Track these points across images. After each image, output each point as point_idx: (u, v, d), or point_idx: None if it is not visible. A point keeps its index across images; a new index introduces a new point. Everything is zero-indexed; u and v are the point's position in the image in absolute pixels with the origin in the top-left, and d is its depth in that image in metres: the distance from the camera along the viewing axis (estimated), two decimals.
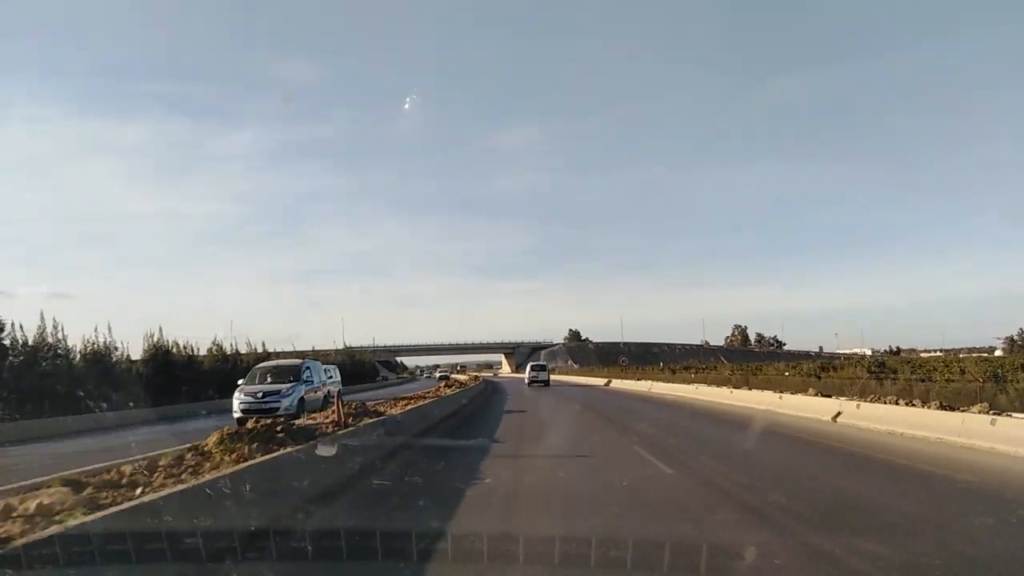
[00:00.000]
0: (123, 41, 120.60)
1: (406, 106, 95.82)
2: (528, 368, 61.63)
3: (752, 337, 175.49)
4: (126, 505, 5.22)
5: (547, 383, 54.56)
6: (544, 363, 69.19)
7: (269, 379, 20.01)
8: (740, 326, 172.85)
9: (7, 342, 24.14)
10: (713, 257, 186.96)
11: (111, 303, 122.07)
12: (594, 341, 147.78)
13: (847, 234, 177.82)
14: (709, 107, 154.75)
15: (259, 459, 7.41)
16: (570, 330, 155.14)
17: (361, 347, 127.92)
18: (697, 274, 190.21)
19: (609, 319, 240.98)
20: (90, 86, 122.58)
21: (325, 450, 8.31)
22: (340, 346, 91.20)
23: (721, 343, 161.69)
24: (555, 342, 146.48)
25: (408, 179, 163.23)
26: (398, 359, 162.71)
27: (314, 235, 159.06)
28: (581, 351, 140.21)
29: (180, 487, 5.90)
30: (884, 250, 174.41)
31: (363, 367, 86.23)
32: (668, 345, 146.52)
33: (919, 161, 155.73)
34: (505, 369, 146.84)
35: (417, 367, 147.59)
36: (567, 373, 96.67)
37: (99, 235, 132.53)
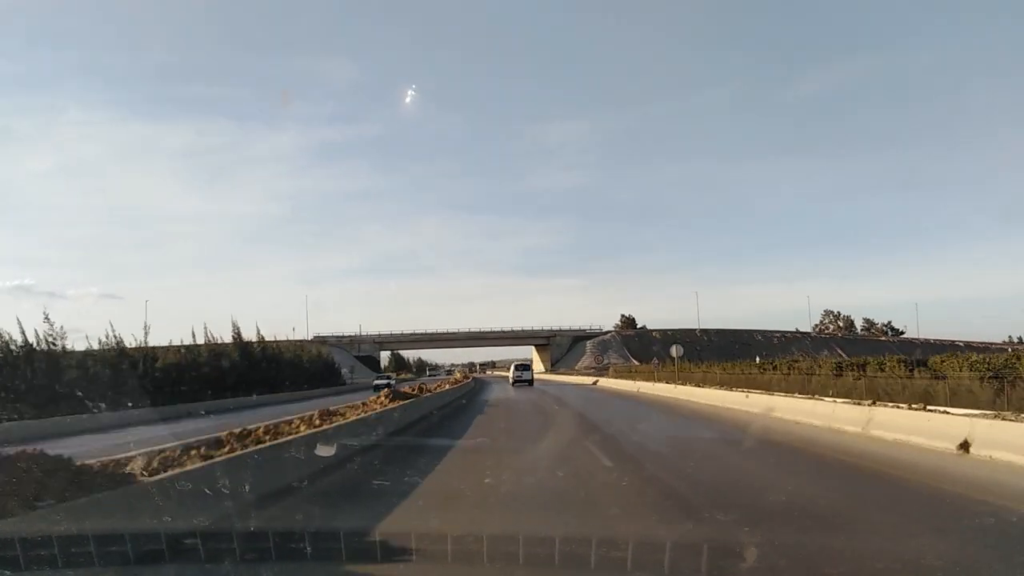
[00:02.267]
0: (165, 45, 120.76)
1: (407, 99, 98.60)
2: (512, 368, 61.26)
3: (858, 324, 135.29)
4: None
5: (531, 382, 56.02)
6: (528, 362, 65.78)
7: None
8: (832, 312, 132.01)
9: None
10: (790, 247, 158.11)
11: (158, 302, 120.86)
12: (657, 329, 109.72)
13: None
14: (759, 96, 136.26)
15: None
16: (622, 316, 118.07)
17: (345, 336, 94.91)
18: (765, 265, 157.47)
19: (667, 312, 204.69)
20: (135, 91, 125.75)
21: None
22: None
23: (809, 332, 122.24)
24: (605, 330, 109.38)
25: (447, 177, 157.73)
26: (405, 354, 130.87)
27: (353, 234, 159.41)
28: (641, 343, 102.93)
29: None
30: None
31: (277, 366, 51.73)
32: (763, 333, 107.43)
33: None
34: (537, 367, 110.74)
35: (440, 366, 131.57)
36: (624, 375, 59.71)
37: (146, 236, 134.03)
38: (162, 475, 6.74)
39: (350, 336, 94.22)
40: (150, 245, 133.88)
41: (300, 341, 73.86)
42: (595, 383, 57.49)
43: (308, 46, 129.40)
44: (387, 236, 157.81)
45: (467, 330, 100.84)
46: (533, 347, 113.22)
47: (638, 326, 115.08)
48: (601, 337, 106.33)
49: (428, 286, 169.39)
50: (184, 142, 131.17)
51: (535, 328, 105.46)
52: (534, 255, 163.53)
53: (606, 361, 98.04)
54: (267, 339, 61.46)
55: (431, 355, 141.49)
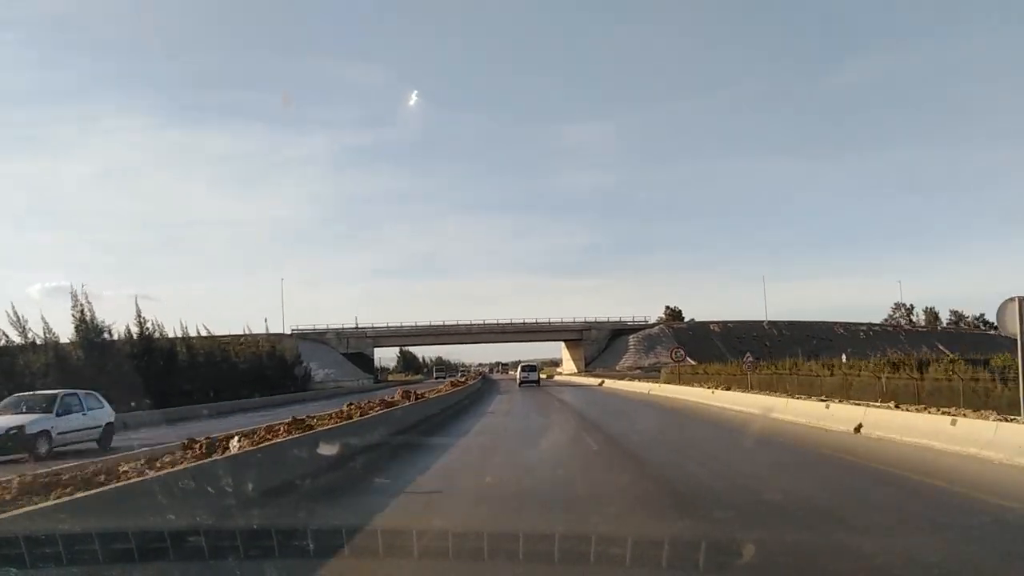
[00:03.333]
0: (199, 53, 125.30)
1: (411, 102, 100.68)
2: (519, 369, 59.94)
3: (944, 317, 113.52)
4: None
5: (538, 383, 55.30)
6: (535, 364, 61.95)
7: None
8: (904, 304, 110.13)
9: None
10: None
11: (191, 304, 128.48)
12: (715, 321, 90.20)
13: None
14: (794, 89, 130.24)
15: None
16: (668, 308, 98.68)
17: (330, 329, 78.40)
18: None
19: (717, 308, 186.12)
20: (172, 97, 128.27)
21: None
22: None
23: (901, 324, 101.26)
24: (650, 322, 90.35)
25: (473, 178, 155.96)
26: (418, 353, 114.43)
27: (378, 235, 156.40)
28: (695, 337, 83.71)
29: None
30: None
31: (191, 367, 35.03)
32: (845, 326, 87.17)
33: None
34: (567, 366, 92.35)
35: (460, 366, 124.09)
36: (684, 378, 40.94)
37: (181, 239, 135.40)
38: None
39: (336, 329, 77.66)
40: (182, 249, 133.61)
41: (261, 336, 56.75)
42: (649, 392, 39.29)
43: (335, 50, 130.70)
44: (412, 237, 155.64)
45: (481, 322, 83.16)
46: (563, 344, 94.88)
47: (683, 318, 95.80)
48: (647, 331, 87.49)
49: (453, 287, 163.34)
50: (219, 147, 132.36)
51: (565, 321, 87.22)
52: (560, 254, 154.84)
53: (654, 360, 79.38)
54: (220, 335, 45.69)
55: (450, 353, 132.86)
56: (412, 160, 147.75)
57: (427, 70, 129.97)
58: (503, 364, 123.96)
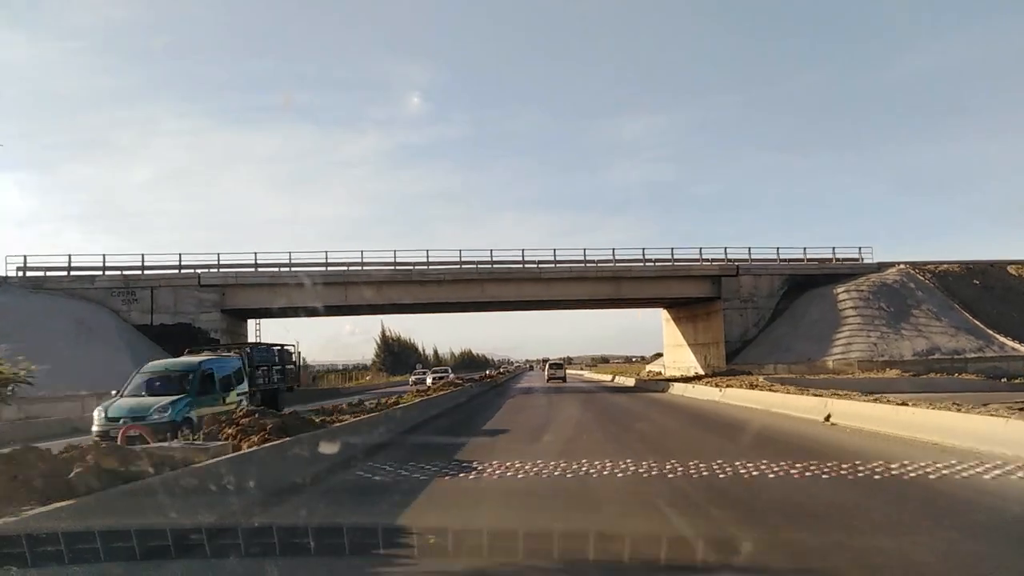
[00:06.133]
0: (250, 56, 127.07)
1: (415, 101, 77.88)
2: (547, 366, 51.06)
3: None
4: None
5: (564, 379, 45.87)
6: (561, 362, 52.06)
7: None
8: None
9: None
10: None
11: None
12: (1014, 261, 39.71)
13: None
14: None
15: None
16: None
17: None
18: None
19: None
20: (225, 100, 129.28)
21: None
22: None
23: None
24: (883, 262, 40.80)
25: (526, 175, 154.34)
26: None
27: (430, 233, 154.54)
28: (988, 285, 33.99)
29: None
30: None
31: None
32: None
33: None
34: (678, 358, 43.90)
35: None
36: None
37: (240, 241, 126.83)
38: None
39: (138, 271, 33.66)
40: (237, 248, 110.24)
41: None
42: None
43: (387, 50, 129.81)
44: (463, 235, 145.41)
45: (498, 261, 37.30)
46: (665, 312, 47.38)
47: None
48: (873, 278, 38.60)
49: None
50: (271, 148, 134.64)
51: (682, 261, 39.72)
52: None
53: (924, 340, 31.20)
54: None
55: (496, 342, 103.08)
56: (464, 158, 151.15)
57: (480, 69, 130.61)
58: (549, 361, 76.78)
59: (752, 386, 24.55)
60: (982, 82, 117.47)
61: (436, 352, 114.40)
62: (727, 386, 24.29)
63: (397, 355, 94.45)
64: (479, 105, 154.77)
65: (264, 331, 40.07)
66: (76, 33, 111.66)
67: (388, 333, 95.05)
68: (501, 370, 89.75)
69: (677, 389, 28.54)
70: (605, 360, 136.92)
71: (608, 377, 52.45)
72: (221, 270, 35.15)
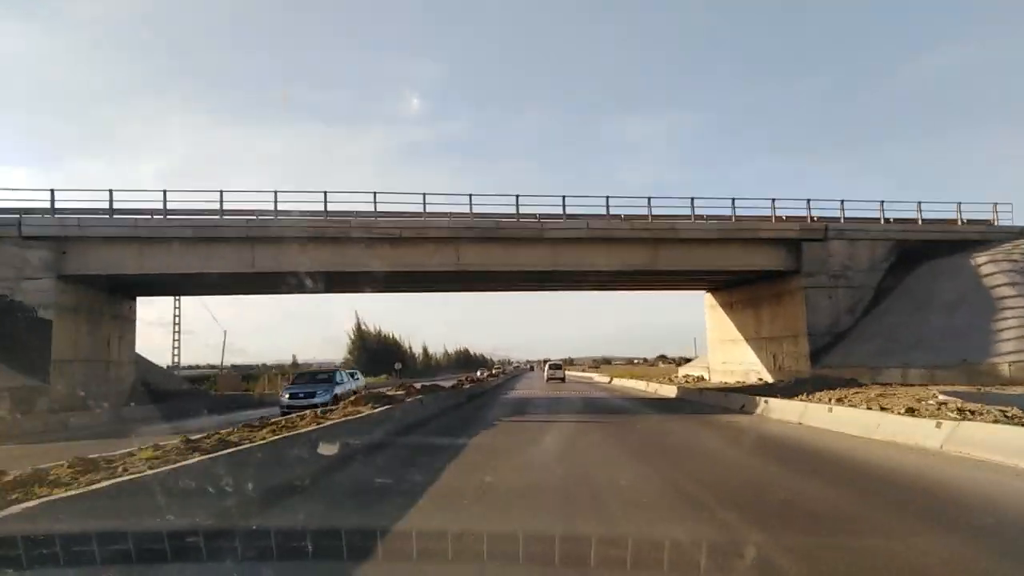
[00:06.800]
0: (259, 53, 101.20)
1: (414, 102, 62.18)
2: (547, 367, 55.20)
3: None
4: None
5: (563, 379, 49.32)
6: (560, 363, 57.35)
7: None
8: None
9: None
10: None
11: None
12: None
13: None
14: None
15: None
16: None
17: None
18: None
19: None
20: (236, 96, 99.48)
21: None
22: None
23: None
24: (1000, 224, 28.81)
25: (530, 174, 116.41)
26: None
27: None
28: None
29: None
30: None
31: None
32: None
33: None
34: (725, 357, 32.02)
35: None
36: None
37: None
38: None
39: None
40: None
41: None
42: None
43: (394, 48, 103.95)
44: None
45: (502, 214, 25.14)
46: (709, 297, 35.25)
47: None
48: (963, 248, 26.65)
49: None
50: (278, 144, 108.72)
51: (747, 217, 27.67)
52: None
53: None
54: None
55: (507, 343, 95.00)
56: (469, 157, 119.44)
57: (486, 68, 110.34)
58: (549, 362, 64.31)
59: (960, 411, 12.57)
60: None
61: (426, 350, 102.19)
62: (945, 414, 12.30)
63: (375, 352, 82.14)
64: (479, 105, 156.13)
65: (190, 316, 28.03)
66: (83, 25, 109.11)
67: (364, 327, 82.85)
68: (494, 371, 77.77)
69: (771, 410, 16.63)
70: (607, 361, 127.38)
71: (639, 385, 37.26)
72: (57, 216, 22.99)
